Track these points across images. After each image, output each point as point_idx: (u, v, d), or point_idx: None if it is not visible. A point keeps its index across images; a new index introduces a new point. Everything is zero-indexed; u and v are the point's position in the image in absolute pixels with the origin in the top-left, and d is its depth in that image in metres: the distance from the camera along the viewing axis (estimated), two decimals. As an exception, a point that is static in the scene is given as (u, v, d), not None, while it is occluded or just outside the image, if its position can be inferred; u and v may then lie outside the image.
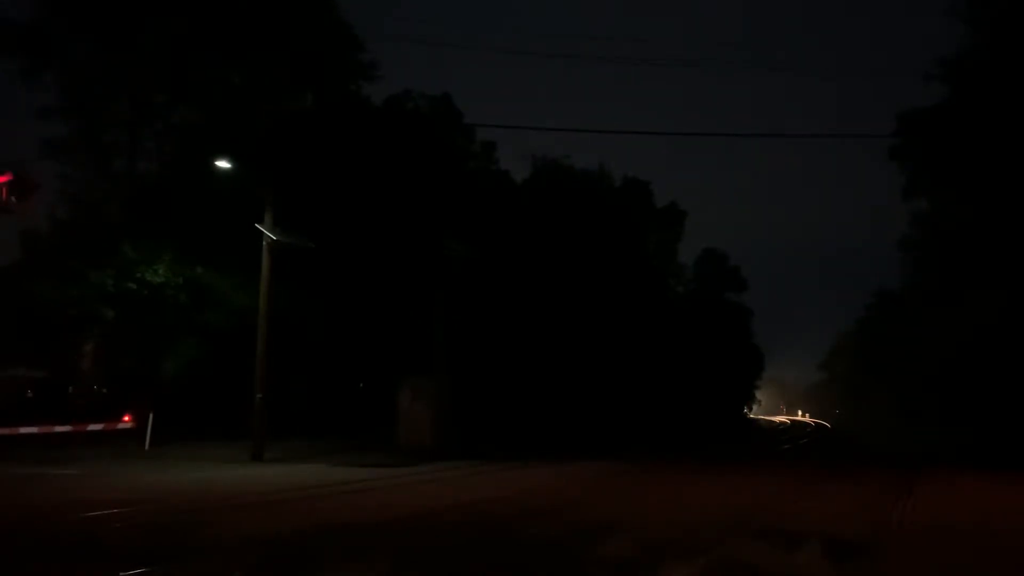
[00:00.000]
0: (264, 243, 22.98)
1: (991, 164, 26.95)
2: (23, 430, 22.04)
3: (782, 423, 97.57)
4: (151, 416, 24.14)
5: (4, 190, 18.12)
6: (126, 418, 25.17)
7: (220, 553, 9.09)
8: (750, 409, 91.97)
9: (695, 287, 66.55)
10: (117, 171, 29.72)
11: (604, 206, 45.04)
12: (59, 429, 23.11)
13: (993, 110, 26.73)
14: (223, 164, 23.67)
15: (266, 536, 10.24)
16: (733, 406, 74.94)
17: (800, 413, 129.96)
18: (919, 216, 34.30)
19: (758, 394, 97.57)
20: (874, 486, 18.77)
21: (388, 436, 26.17)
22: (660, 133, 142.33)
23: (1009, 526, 12.71)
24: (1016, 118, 25.88)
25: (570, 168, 45.55)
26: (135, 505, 12.73)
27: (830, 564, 9.08)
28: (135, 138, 29.69)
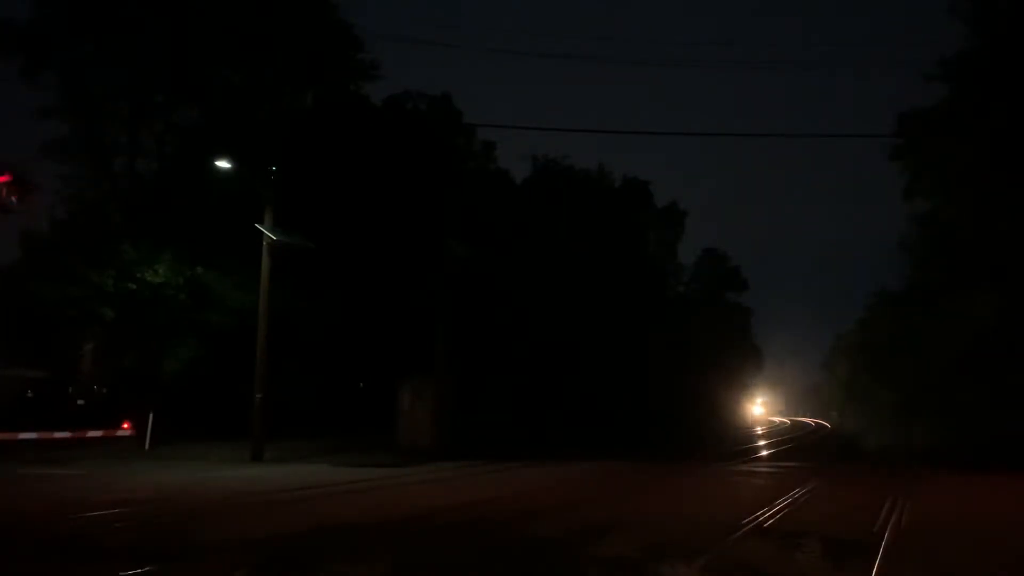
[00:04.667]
0: (264, 243, 23.00)
1: (991, 164, 26.93)
2: (22, 436, 22.04)
3: (782, 423, 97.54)
4: (151, 416, 24.16)
5: (4, 190, 18.12)
6: (125, 425, 25.19)
7: (220, 553, 9.09)
8: (751, 409, 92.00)
9: (695, 287, 66.60)
10: (117, 171, 29.67)
11: (604, 206, 45.07)
12: (58, 435, 23.12)
13: (993, 110, 26.72)
14: (223, 164, 23.70)
15: (266, 536, 10.25)
16: (734, 406, 74.96)
17: (800, 413, 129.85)
18: (919, 216, 34.25)
19: (758, 394, 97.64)
20: (873, 486, 18.78)
21: (388, 436, 26.17)
22: (660, 133, 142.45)
23: (1008, 527, 12.71)
24: (1016, 118, 25.86)
25: (570, 168, 45.61)
26: (135, 505, 12.74)
27: (829, 564, 9.08)
28: (135, 138, 29.64)
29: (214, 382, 27.87)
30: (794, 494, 15.91)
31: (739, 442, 43.65)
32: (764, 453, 35.59)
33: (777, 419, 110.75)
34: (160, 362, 27.64)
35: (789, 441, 49.24)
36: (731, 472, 22.64)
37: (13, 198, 18.41)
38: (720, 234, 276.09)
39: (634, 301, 44.18)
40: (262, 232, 22.96)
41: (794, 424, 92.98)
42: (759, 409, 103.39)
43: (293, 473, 18.93)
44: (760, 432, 64.71)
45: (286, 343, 25.90)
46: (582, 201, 42.49)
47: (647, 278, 49.64)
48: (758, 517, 12.36)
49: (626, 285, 43.40)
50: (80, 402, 29.23)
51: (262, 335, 22.90)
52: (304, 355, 29.92)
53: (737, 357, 70.33)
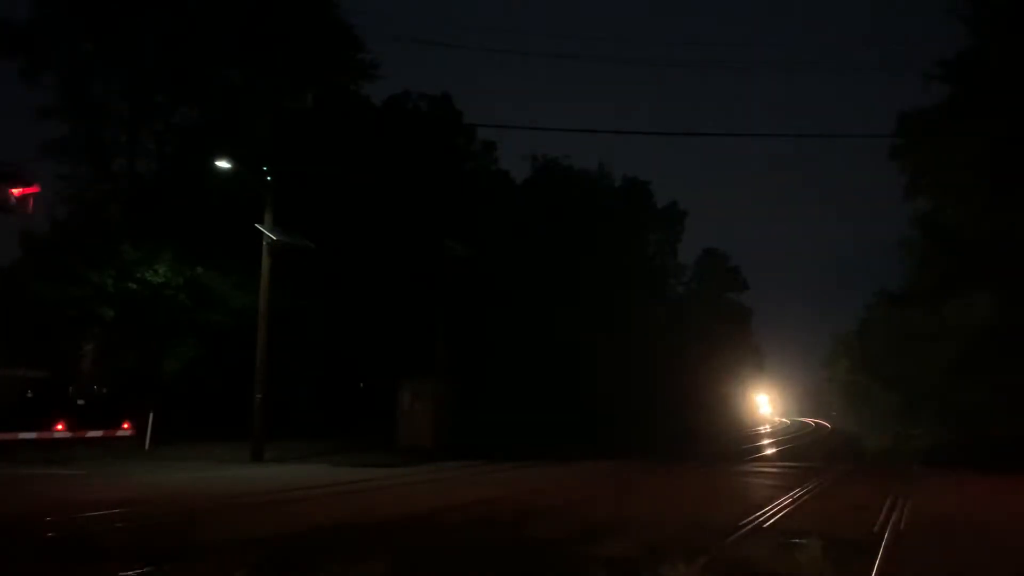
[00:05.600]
0: (264, 243, 23.01)
1: (991, 164, 26.93)
2: (22, 435, 22.04)
3: (782, 423, 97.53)
4: (151, 416, 24.16)
5: (4, 190, 18.15)
6: (125, 425, 25.19)
7: (220, 553, 9.09)
8: (751, 409, 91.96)
9: (695, 287, 66.65)
10: (117, 171, 29.71)
11: (604, 206, 45.07)
12: (59, 435, 23.11)
13: (993, 110, 26.72)
14: (223, 164, 23.69)
15: (266, 536, 10.24)
16: (734, 406, 74.96)
17: (801, 413, 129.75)
18: (919, 216, 34.27)
19: (758, 394, 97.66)
20: (873, 486, 18.77)
21: (388, 436, 26.16)
22: (660, 133, 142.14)
23: (1009, 527, 12.71)
24: (1016, 118, 25.86)
25: (570, 168, 45.62)
26: (135, 505, 12.73)
27: (830, 564, 9.07)
28: (135, 138, 29.67)
29: (214, 382, 27.87)
30: (794, 494, 15.91)
31: (739, 442, 43.63)
32: (765, 453, 35.56)
33: (777, 419, 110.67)
34: (160, 362, 27.66)
35: (789, 441, 49.23)
36: (732, 472, 22.63)
37: (13, 198, 18.42)
38: (720, 234, 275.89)
39: (634, 301, 44.17)
40: (262, 232, 22.97)
41: (794, 424, 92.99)
42: (761, 409, 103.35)
43: (293, 473, 18.93)
44: (760, 432, 64.69)
45: (286, 343, 25.90)
46: (582, 201, 42.48)
47: (647, 278, 49.66)
48: (758, 517, 12.35)
49: (626, 285, 43.40)
50: (80, 402, 29.21)
51: (262, 335, 22.90)
52: (304, 355, 29.93)
53: (737, 357, 70.38)
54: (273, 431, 23.14)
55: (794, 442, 47.83)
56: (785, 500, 14.80)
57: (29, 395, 28.46)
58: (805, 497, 15.73)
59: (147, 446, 23.85)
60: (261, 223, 23.07)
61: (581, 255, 39.11)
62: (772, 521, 12.12)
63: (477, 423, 28.65)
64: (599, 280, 40.22)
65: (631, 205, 49.54)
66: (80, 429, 23.99)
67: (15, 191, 21.01)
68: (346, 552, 9.27)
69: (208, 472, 18.89)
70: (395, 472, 19.66)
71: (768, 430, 71.46)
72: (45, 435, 22.63)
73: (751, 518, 12.19)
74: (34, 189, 22.62)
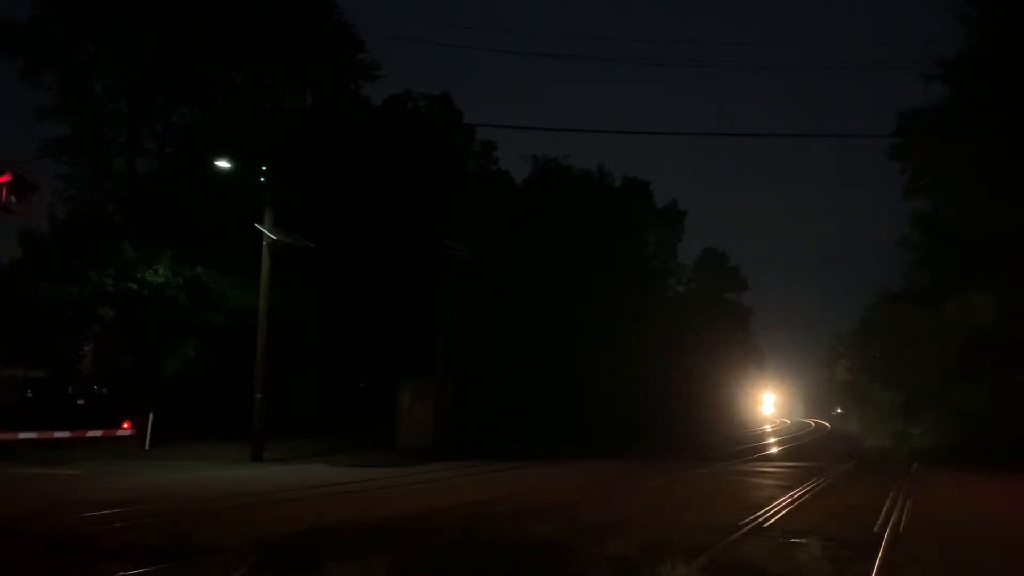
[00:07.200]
0: (264, 243, 23.02)
1: (991, 163, 26.91)
2: (22, 435, 22.06)
3: (783, 423, 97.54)
4: (151, 416, 24.17)
5: (4, 190, 18.11)
6: (125, 424, 25.21)
7: (220, 553, 9.09)
8: (752, 409, 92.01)
9: (695, 287, 66.67)
10: (117, 171, 29.74)
11: (604, 206, 45.03)
12: (59, 435, 23.13)
13: (992, 110, 26.70)
14: (223, 164, 23.70)
15: (266, 536, 10.25)
16: (735, 406, 74.99)
17: (801, 413, 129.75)
18: (919, 216, 34.27)
19: (759, 394, 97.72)
20: (874, 486, 18.78)
21: (388, 436, 26.15)
22: (660, 133, 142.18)
23: (1008, 527, 12.72)
24: (1016, 118, 25.84)
25: (570, 168, 45.59)
26: (135, 505, 12.73)
27: (830, 564, 9.07)
28: (135, 138, 29.69)
29: (214, 382, 27.86)
30: (795, 494, 15.92)
31: (740, 442, 43.66)
32: (765, 453, 35.58)
33: (777, 419, 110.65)
34: (160, 362, 27.67)
35: (789, 441, 49.28)
36: (731, 472, 22.63)
37: (13, 198, 18.38)
38: (720, 234, 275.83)
39: (634, 301, 44.15)
40: (262, 232, 22.98)
41: (795, 424, 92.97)
42: (762, 409, 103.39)
43: (293, 473, 18.94)
44: (760, 432, 64.71)
45: (286, 343, 25.91)
46: (582, 201, 42.45)
47: (647, 278, 49.65)
48: (759, 517, 12.36)
49: (626, 285, 43.37)
50: (80, 402, 29.24)
51: (262, 335, 22.91)
52: (304, 355, 29.92)
53: (738, 357, 70.39)
54: (273, 431, 23.16)
55: (794, 442, 47.88)
56: (785, 500, 14.81)
57: (29, 395, 28.49)
58: (805, 497, 15.74)
59: (147, 446, 23.86)
60: (261, 223, 23.08)
61: (581, 255, 39.07)
62: (772, 521, 12.13)
63: (477, 423, 28.64)
64: (598, 280, 40.19)
65: (631, 205, 49.51)
66: (80, 429, 24.01)
67: (15, 191, 20.98)
68: (346, 552, 9.26)
69: (208, 472, 18.90)
70: (395, 472, 19.66)
71: (768, 430, 71.48)
72: (45, 435, 22.65)
73: (751, 518, 12.20)
74: (34, 189, 22.58)
